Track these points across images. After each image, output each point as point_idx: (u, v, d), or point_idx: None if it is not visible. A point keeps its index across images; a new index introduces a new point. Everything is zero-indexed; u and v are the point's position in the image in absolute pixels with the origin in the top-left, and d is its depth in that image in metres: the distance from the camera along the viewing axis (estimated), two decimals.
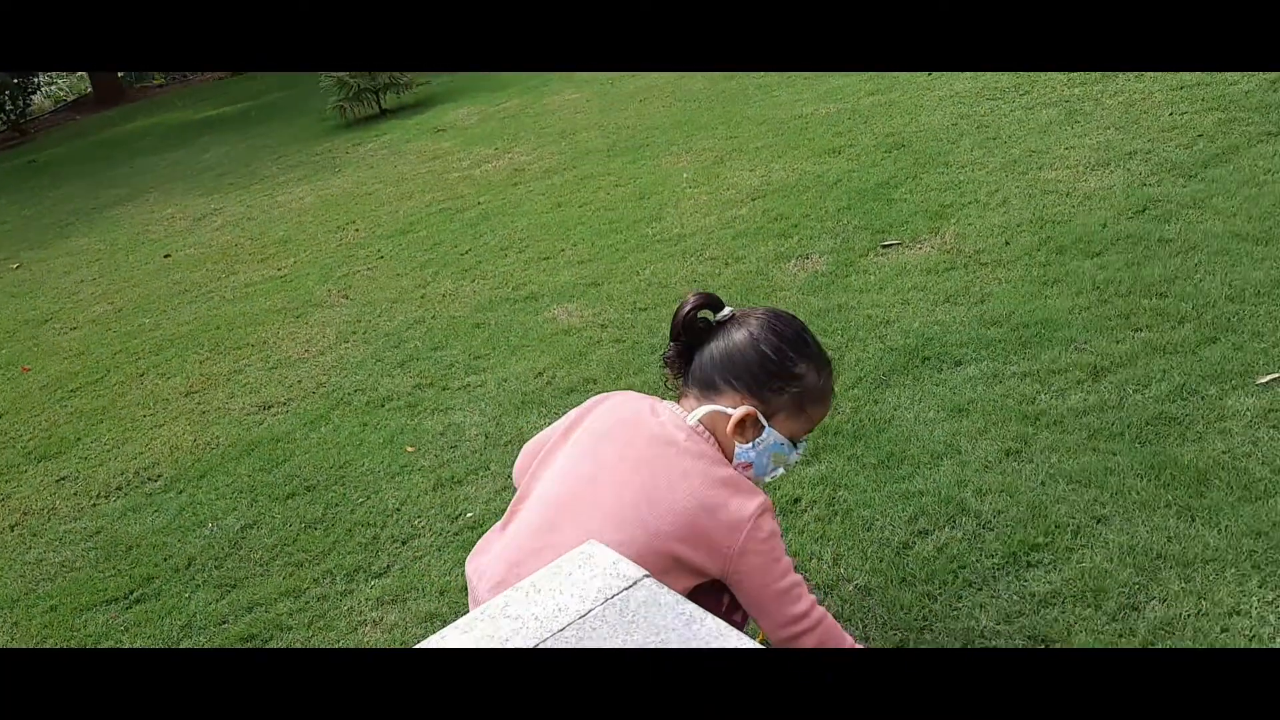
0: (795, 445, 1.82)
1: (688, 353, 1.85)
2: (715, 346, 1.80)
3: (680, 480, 1.71)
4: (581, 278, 4.77)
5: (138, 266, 7.14)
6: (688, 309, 1.82)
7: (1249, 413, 2.66)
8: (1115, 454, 2.64)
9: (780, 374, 1.76)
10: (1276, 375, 2.78)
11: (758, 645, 1.26)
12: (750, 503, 1.69)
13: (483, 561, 1.82)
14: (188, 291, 6.23)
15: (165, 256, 7.22)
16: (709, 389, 1.80)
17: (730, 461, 1.80)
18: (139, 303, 6.23)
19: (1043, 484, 2.60)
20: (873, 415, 3.08)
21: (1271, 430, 2.58)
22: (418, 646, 1.41)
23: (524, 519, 1.83)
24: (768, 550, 1.69)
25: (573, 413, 1.94)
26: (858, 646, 1.80)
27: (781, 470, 1.84)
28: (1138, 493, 2.49)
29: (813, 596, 1.75)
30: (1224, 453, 2.55)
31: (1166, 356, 2.99)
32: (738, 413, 1.75)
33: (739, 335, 1.78)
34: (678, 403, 1.85)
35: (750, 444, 1.78)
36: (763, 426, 1.76)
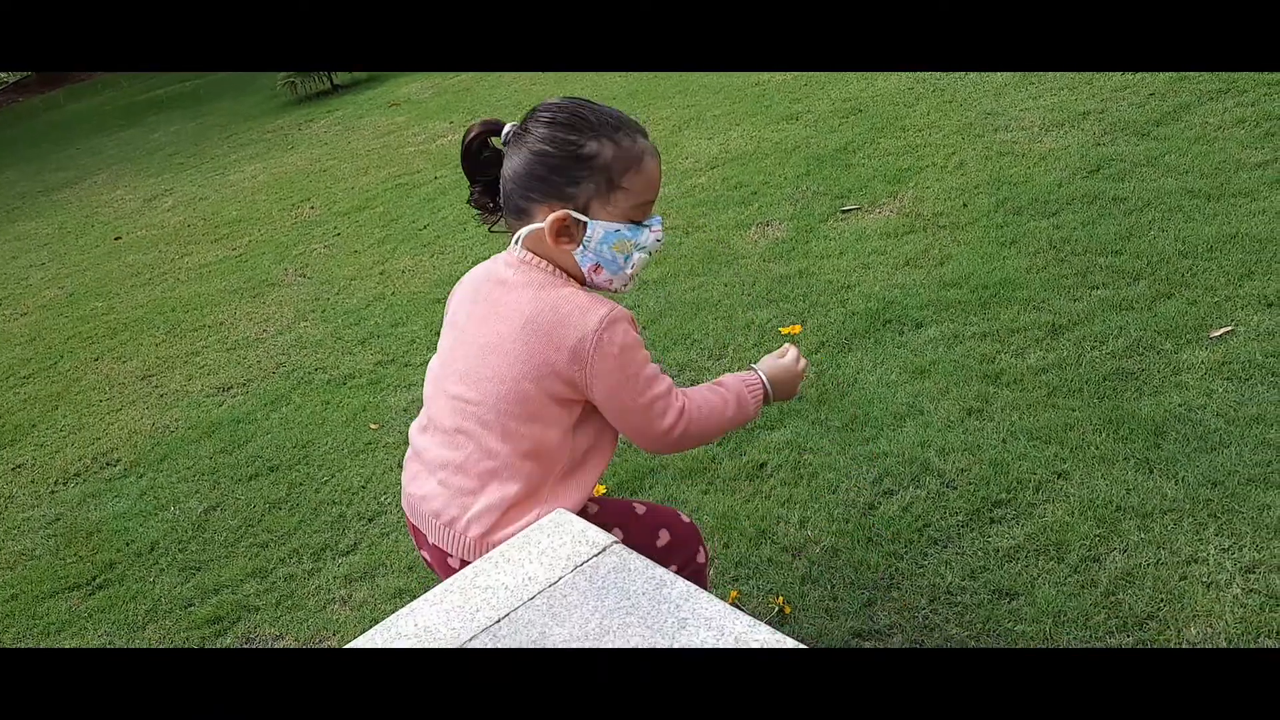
0: (641, 225, 1.67)
1: (491, 189, 1.74)
2: (507, 169, 1.66)
3: (516, 317, 1.64)
4: None
5: (88, 250, 7.00)
6: (469, 138, 1.71)
7: (1203, 366, 2.71)
8: (1074, 410, 2.68)
9: (568, 162, 1.61)
10: (1229, 329, 2.83)
11: (729, 608, 1.27)
12: (590, 317, 1.59)
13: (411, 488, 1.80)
14: (140, 274, 6.12)
15: (116, 239, 7.09)
16: (520, 214, 1.67)
17: (578, 277, 1.69)
18: (91, 286, 6.12)
19: (1004, 441, 2.63)
20: (836, 379, 3.10)
21: (1225, 382, 2.63)
22: (370, 637, 1.41)
23: (415, 428, 1.82)
24: (619, 367, 1.60)
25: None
26: (730, 403, 1.74)
27: (641, 255, 1.68)
28: (1097, 447, 2.52)
29: (680, 403, 1.67)
30: (1180, 405, 2.59)
31: (1122, 313, 3.03)
32: (546, 222, 1.62)
33: (522, 148, 1.64)
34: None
35: (580, 246, 1.65)
36: (584, 223, 1.63)
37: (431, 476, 1.73)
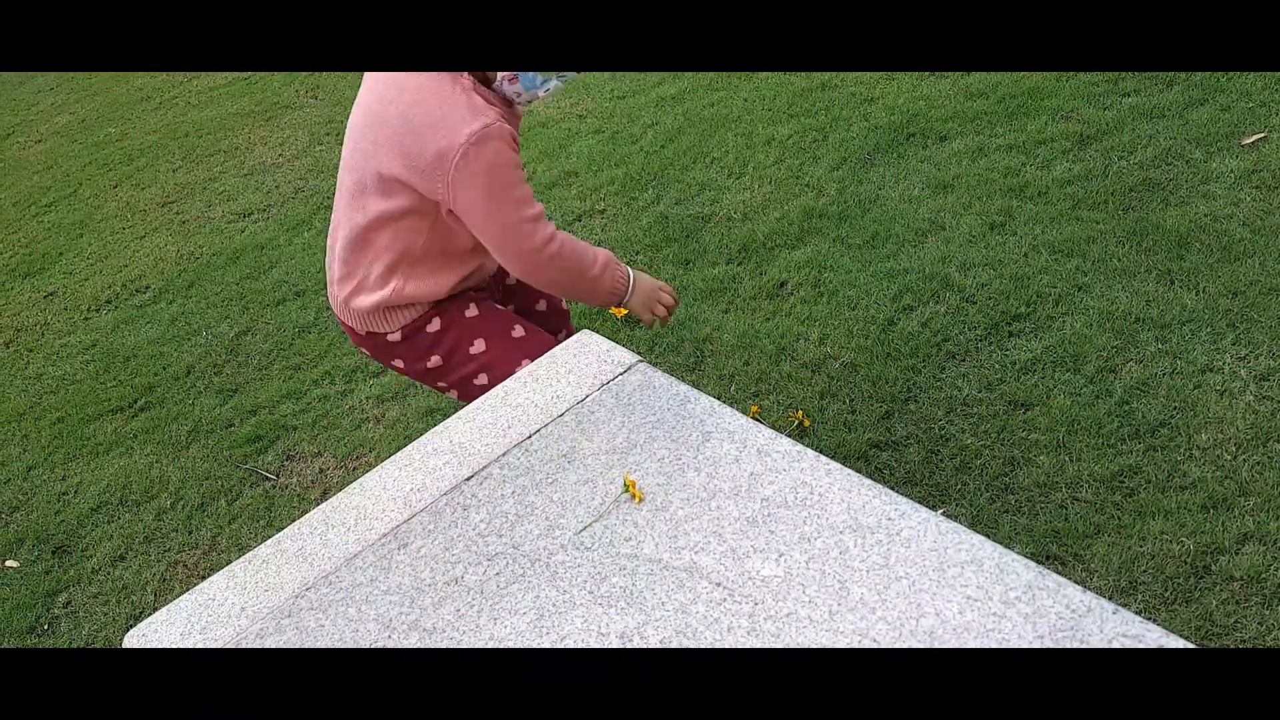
0: None
1: None
2: None
3: (403, 99, 1.63)
4: None
5: (94, 74, 6.86)
6: None
7: (1232, 174, 2.67)
8: (1098, 222, 2.66)
9: None
10: (1262, 135, 2.77)
11: (751, 421, 1.32)
12: (463, 130, 1.56)
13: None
14: (151, 98, 6.03)
15: None
16: None
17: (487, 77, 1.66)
18: (102, 111, 6.04)
19: (1025, 255, 2.63)
20: (857, 196, 3.07)
21: (1254, 191, 2.59)
22: (408, 454, 1.46)
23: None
24: (484, 184, 1.59)
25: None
26: (599, 259, 1.71)
27: (559, 84, 1.67)
28: (1119, 259, 2.52)
29: (553, 229, 1.67)
30: (1205, 215, 2.56)
31: (1153, 121, 2.96)
32: None
33: None
34: None
35: None
36: None
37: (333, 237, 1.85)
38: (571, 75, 1.70)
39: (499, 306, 1.91)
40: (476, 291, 1.90)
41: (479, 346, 1.82)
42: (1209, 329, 2.26)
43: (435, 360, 1.84)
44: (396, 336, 1.83)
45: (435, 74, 1.61)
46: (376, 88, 1.69)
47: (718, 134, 3.65)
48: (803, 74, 3.85)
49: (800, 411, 2.38)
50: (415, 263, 1.74)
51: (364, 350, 1.91)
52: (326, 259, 1.85)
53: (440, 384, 1.90)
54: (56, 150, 5.61)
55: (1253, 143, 2.75)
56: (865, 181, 3.12)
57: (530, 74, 1.64)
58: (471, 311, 1.84)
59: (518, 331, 1.86)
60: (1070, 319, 2.40)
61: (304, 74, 5.60)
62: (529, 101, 1.71)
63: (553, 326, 2.11)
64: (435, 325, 1.82)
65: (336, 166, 4.34)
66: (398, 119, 1.61)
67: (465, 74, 1.62)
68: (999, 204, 2.84)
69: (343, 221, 1.77)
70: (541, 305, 2.10)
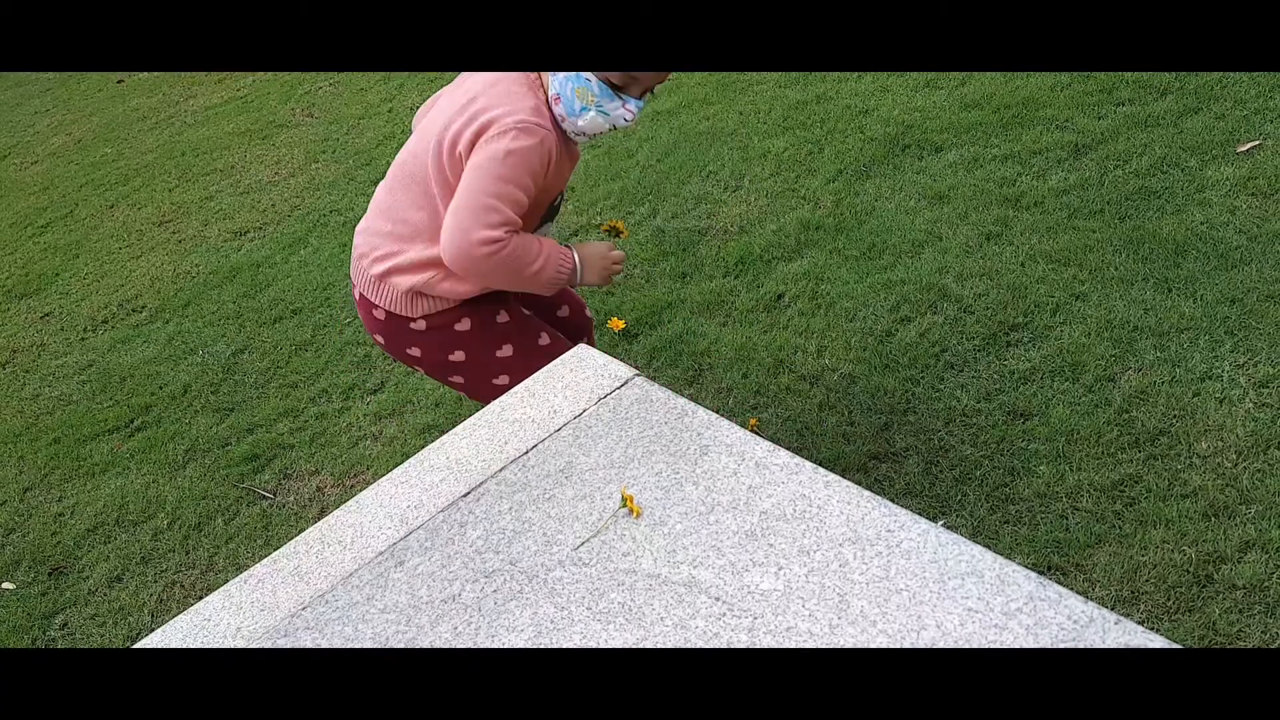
0: (618, 93, 1.67)
1: None
2: None
3: (471, 86, 1.71)
4: None
5: (91, 94, 6.88)
6: None
7: (1228, 182, 2.67)
8: (1095, 231, 2.66)
9: None
10: (1256, 142, 2.77)
11: (749, 434, 1.31)
12: (515, 114, 1.63)
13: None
14: (147, 118, 6.03)
15: (119, 82, 6.95)
16: None
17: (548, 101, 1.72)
18: (98, 132, 6.04)
19: (1023, 265, 2.63)
20: (854, 207, 3.07)
21: (1249, 198, 2.59)
22: (404, 470, 1.46)
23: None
24: (495, 160, 1.62)
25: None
26: (541, 254, 1.70)
27: (598, 118, 1.69)
28: (1116, 268, 2.52)
29: (511, 231, 1.65)
30: (1202, 223, 2.56)
31: (1148, 130, 2.97)
32: None
33: None
34: None
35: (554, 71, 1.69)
36: None
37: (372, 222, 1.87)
38: (617, 115, 1.69)
39: (527, 312, 1.93)
40: (506, 294, 1.91)
41: (506, 351, 1.85)
42: (1207, 337, 2.26)
43: (459, 355, 1.86)
44: (421, 325, 1.84)
45: (521, 77, 1.69)
46: (457, 93, 1.75)
47: (713, 148, 3.66)
48: (798, 87, 3.85)
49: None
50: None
51: (378, 338, 1.92)
52: (357, 238, 1.87)
53: (454, 378, 1.91)
54: (53, 171, 5.61)
55: (1247, 150, 2.76)
56: (861, 193, 3.12)
57: (568, 98, 1.67)
58: (502, 317, 1.87)
59: (544, 339, 1.89)
60: (1068, 328, 2.40)
61: (299, 92, 5.60)
62: (577, 134, 1.73)
63: (575, 333, 2.12)
64: (465, 325, 1.84)
65: (332, 184, 4.35)
66: (480, 89, 1.68)
67: (535, 82, 1.69)
68: (995, 214, 2.84)
69: (392, 202, 1.80)
70: (564, 311, 2.12)
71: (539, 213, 1.80)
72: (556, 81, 1.68)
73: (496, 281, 1.73)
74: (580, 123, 1.69)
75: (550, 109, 1.70)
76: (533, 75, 1.70)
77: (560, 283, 1.77)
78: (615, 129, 1.73)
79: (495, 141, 1.62)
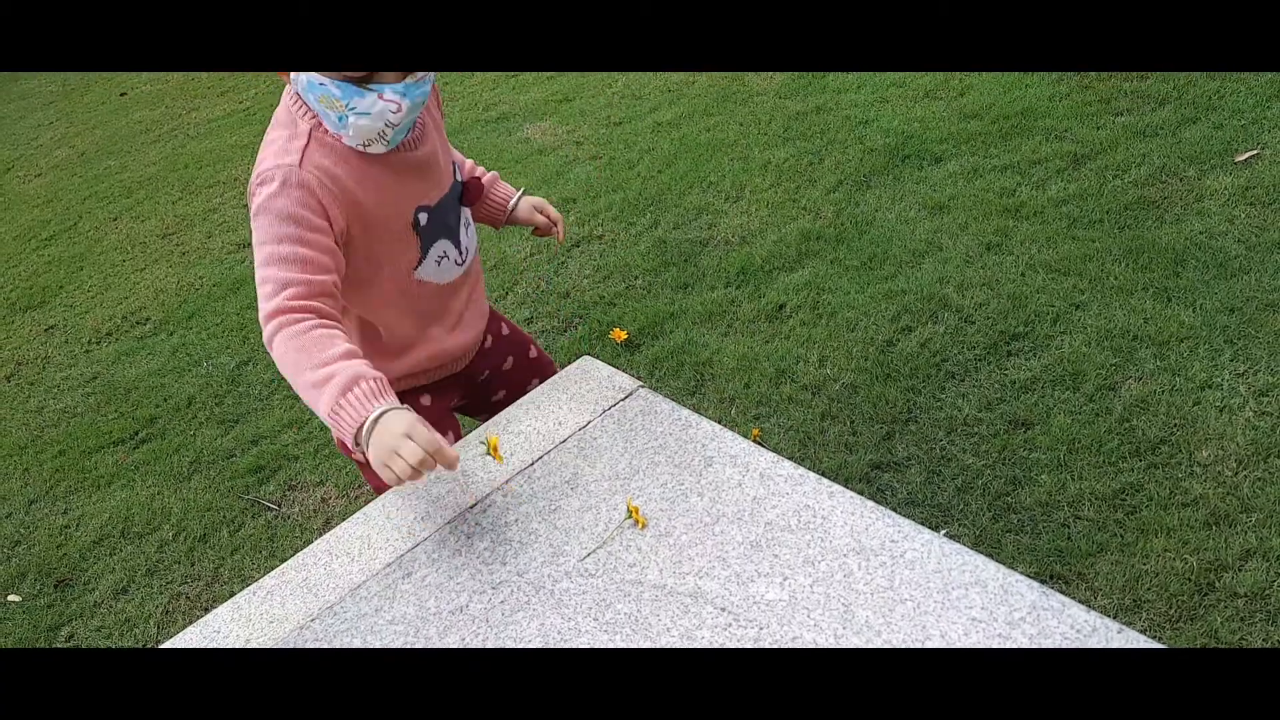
0: (363, 87, 1.35)
1: None
2: None
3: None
4: (552, 94, 4.65)
5: (94, 107, 6.91)
6: None
7: (1226, 191, 2.68)
8: (1094, 241, 2.67)
9: None
10: (1255, 151, 2.79)
11: (753, 445, 1.32)
12: (260, 166, 1.40)
13: None
14: (150, 130, 6.06)
15: (122, 95, 6.99)
16: None
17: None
18: (102, 145, 6.07)
19: (1023, 275, 2.64)
20: (854, 218, 3.09)
21: (1248, 208, 2.61)
22: (408, 484, 1.47)
23: None
24: (255, 235, 1.38)
25: None
26: (331, 377, 1.28)
27: (362, 121, 1.37)
28: (1116, 277, 2.53)
29: (288, 308, 1.33)
30: (1201, 232, 2.58)
31: (1146, 140, 2.98)
32: None
33: None
34: None
35: (291, 83, 1.43)
36: None
37: None
38: (379, 111, 1.37)
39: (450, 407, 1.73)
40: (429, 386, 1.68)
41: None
42: (1207, 345, 2.27)
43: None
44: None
45: (282, 113, 1.46)
46: None
47: (714, 158, 3.68)
48: (798, 98, 3.87)
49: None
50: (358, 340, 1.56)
51: None
52: None
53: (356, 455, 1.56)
54: (56, 184, 5.64)
55: (1245, 160, 2.77)
56: (862, 204, 3.14)
57: (323, 112, 1.39)
58: (425, 400, 1.68)
59: (533, 352, 1.85)
60: (1068, 337, 2.41)
61: None
62: (366, 144, 1.41)
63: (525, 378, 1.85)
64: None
65: None
66: None
67: (300, 111, 1.44)
68: (995, 224, 2.85)
69: None
70: (499, 396, 1.84)
71: (389, 235, 1.49)
72: (310, 100, 1.40)
73: (286, 373, 1.34)
74: (349, 134, 1.39)
75: (319, 133, 1.43)
76: (292, 104, 1.44)
77: (341, 429, 1.29)
78: (390, 125, 1.39)
79: (251, 206, 1.41)
